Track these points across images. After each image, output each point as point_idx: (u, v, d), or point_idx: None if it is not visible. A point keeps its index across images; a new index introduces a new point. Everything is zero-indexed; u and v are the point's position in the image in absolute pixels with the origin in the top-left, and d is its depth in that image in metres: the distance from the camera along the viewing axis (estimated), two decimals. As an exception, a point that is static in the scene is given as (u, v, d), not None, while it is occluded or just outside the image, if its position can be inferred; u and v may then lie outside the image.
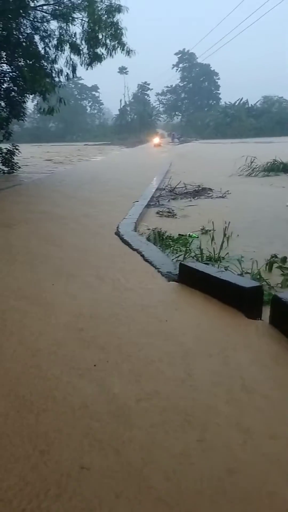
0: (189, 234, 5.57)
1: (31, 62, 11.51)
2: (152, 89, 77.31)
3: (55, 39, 12.02)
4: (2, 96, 14.24)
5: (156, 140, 43.27)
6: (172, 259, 4.46)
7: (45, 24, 11.92)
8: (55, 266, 4.25)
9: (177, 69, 78.80)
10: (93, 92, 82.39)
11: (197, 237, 5.51)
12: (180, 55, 78.12)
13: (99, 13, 11.05)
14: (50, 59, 12.29)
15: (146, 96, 76.76)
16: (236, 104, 65.98)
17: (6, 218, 6.82)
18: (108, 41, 11.62)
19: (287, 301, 2.63)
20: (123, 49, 11.80)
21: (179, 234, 5.57)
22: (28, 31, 11.97)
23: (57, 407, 1.98)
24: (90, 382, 2.18)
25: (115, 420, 1.88)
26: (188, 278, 3.53)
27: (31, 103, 14.84)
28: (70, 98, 75.65)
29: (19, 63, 12.48)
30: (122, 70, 74.28)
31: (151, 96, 78.35)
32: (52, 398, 2.05)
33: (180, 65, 78.52)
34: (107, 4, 11.25)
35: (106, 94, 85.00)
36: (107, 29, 11.27)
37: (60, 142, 57.85)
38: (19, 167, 15.58)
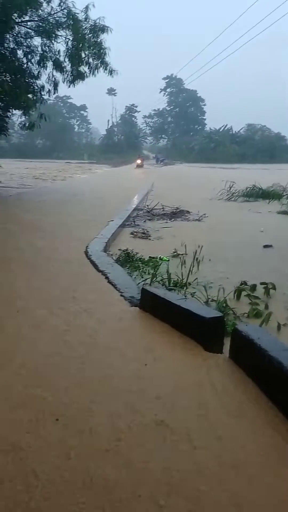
0: (159, 257, 5.40)
1: (13, 77, 11.41)
2: (139, 111, 78.44)
3: (38, 55, 11.98)
4: (-14, 110, 14.08)
5: (138, 161, 41.71)
6: (138, 283, 4.26)
7: (29, 40, 11.91)
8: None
9: (164, 93, 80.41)
10: (82, 112, 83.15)
11: (168, 260, 5.34)
12: (167, 80, 79.82)
13: (83, 32, 11.11)
14: (32, 74, 12.22)
15: (133, 118, 77.74)
16: (221, 130, 67.45)
17: None
18: (91, 60, 11.66)
19: (247, 335, 2.45)
20: (105, 69, 11.83)
21: (149, 257, 5.39)
22: (11, 46, 11.89)
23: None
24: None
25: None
26: (150, 304, 3.33)
27: (19, 119, 14.63)
28: (58, 116, 76.39)
29: (3, 78, 12.37)
30: (111, 91, 75.29)
31: (138, 118, 79.51)
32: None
33: (168, 90, 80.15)
34: (92, 24, 11.34)
35: (94, 114, 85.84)
36: (91, 48, 11.32)
37: (47, 158, 57.84)
38: (0, 181, 15.34)
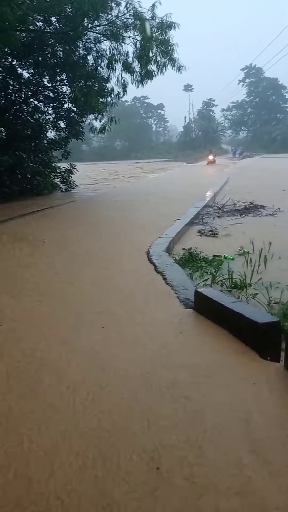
0: (224, 256, 5.17)
1: (84, 83, 11.78)
2: (217, 105, 76.84)
3: (107, 58, 12.19)
4: (64, 116, 14.77)
5: (210, 157, 36.98)
6: (197, 284, 4.11)
7: (98, 44, 12.21)
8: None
9: (243, 84, 77.73)
10: (159, 110, 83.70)
11: (232, 258, 5.09)
12: (246, 70, 77.07)
13: (151, 30, 11.07)
14: (102, 78, 12.49)
15: (211, 112, 76.41)
16: (306, 117, 63.51)
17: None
18: (159, 58, 11.58)
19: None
20: (173, 66, 11.69)
21: (213, 255, 5.19)
22: (82, 52, 12.28)
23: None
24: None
25: None
26: (203, 306, 3.18)
27: (98, 124, 15.14)
28: (135, 117, 77.91)
29: (79, 84, 12.82)
30: (188, 87, 74.77)
31: (216, 112, 77.99)
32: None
33: (247, 80, 77.34)
34: (158, 21, 11.26)
35: (172, 112, 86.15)
36: (159, 45, 11.26)
37: (125, 159, 59.12)
38: (76, 185, 15.94)
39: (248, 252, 5.14)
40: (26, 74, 13.34)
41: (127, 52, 12.01)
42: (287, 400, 2.13)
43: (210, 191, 12.06)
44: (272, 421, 1.93)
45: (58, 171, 15.31)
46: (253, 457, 1.68)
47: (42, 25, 12.06)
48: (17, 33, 9.89)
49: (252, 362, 2.49)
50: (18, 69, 13.07)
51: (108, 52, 12.22)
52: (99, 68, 12.55)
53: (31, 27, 11.20)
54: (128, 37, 11.55)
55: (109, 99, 13.16)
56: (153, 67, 11.80)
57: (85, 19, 11.15)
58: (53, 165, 15.07)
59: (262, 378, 2.31)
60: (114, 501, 1.48)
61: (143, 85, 12.30)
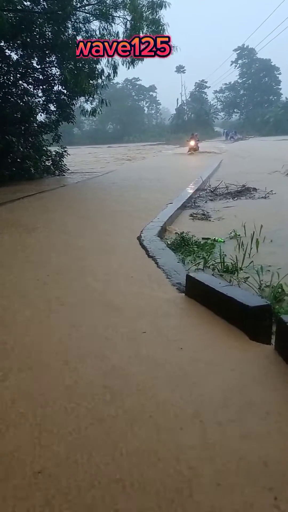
0: (214, 239, 5.17)
1: (74, 64, 11.57)
2: (209, 87, 76.04)
3: (97, 38, 11.98)
4: (54, 99, 14.53)
5: (191, 143, 28.18)
6: (189, 268, 4.11)
7: (87, 24, 11.98)
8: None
9: (236, 66, 76.77)
10: (151, 93, 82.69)
11: (223, 241, 5.10)
12: (239, 51, 76.06)
13: (141, 10, 10.86)
14: (93, 59, 12.27)
15: (203, 94, 75.62)
16: (299, 98, 63.11)
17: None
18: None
19: (291, 325, 2.21)
20: (165, 46, 11.50)
21: (202, 238, 5.19)
22: (71, 33, 12.03)
23: None
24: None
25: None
26: (195, 291, 3.18)
27: (89, 106, 14.90)
28: (127, 99, 76.94)
29: (69, 66, 12.58)
30: (180, 69, 73.70)
31: (209, 94, 77.18)
32: None
33: (239, 61, 76.43)
34: (149, 0, 11.02)
35: (164, 94, 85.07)
36: (149, 26, 11.06)
37: (118, 143, 58.54)
38: (68, 169, 15.78)
39: (239, 235, 5.14)
40: (14, 56, 13.08)
41: (117, 32, 11.85)
42: (276, 379, 2.15)
43: (203, 174, 11.96)
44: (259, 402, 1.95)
45: (49, 154, 15.12)
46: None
47: (29, 4, 11.78)
48: (4, 13, 9.65)
49: (243, 345, 2.50)
50: (6, 50, 12.79)
51: (97, 33, 12.04)
52: (89, 49, 12.27)
53: (18, 7, 10.94)
54: (118, 16, 11.36)
55: (99, 81, 13.00)
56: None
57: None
58: (44, 149, 14.88)
59: (253, 360, 2.33)
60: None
61: (133, 66, 12.11)
